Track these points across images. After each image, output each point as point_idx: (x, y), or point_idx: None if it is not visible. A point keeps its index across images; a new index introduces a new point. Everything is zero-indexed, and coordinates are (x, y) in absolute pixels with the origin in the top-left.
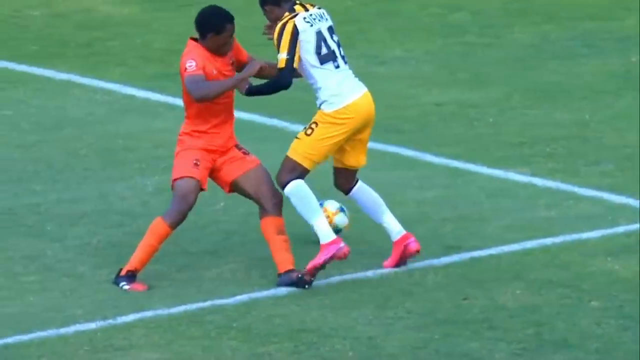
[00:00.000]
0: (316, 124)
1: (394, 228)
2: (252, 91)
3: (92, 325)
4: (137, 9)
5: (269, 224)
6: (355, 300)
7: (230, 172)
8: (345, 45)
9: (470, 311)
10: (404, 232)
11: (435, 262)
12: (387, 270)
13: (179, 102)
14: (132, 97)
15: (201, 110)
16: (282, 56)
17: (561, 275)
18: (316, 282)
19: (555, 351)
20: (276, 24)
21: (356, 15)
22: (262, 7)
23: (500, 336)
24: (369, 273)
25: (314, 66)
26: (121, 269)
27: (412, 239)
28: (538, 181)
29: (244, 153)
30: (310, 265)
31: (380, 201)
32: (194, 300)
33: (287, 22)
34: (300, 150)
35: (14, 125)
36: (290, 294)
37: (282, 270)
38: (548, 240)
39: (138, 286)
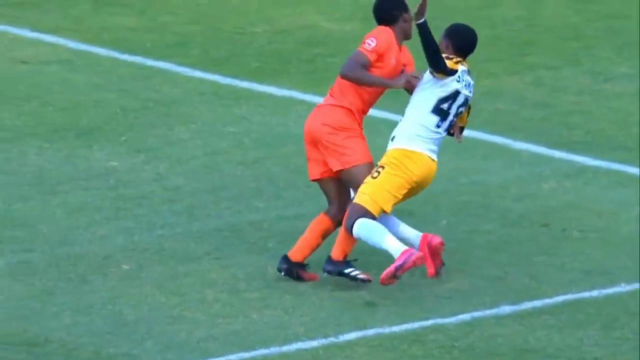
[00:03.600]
0: (382, 167)
1: None
2: (425, 27)
3: (314, 343)
4: (359, 26)
5: (325, 224)
6: (581, 320)
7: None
8: (571, 61)
9: None
10: None
11: None
12: (612, 290)
13: (398, 118)
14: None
15: (359, 93)
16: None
17: None
18: (540, 302)
19: None
20: None
21: (582, 31)
22: (443, 37)
23: None
24: (594, 293)
25: (426, 107)
26: (338, 262)
27: None
28: None
29: None
30: (382, 276)
31: None
32: (415, 319)
33: (457, 61)
34: (376, 194)
35: (237, 141)
36: (513, 313)
37: (294, 259)
38: None
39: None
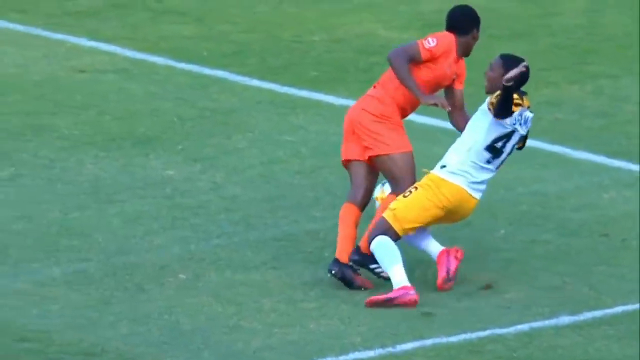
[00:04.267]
0: (416, 187)
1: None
2: (511, 89)
3: (371, 353)
4: (417, 34)
5: (355, 213)
6: None
7: (365, 153)
8: (631, 70)
9: None
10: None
11: None
12: None
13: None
14: (411, 122)
15: (402, 90)
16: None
17: None
18: (600, 312)
19: None
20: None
21: (638, 39)
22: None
23: None
24: None
25: (480, 143)
26: (366, 254)
27: None
28: None
29: None
30: (370, 298)
31: None
32: (473, 329)
33: (517, 103)
34: (402, 214)
35: (294, 150)
36: (572, 323)
37: (343, 260)
38: None
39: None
